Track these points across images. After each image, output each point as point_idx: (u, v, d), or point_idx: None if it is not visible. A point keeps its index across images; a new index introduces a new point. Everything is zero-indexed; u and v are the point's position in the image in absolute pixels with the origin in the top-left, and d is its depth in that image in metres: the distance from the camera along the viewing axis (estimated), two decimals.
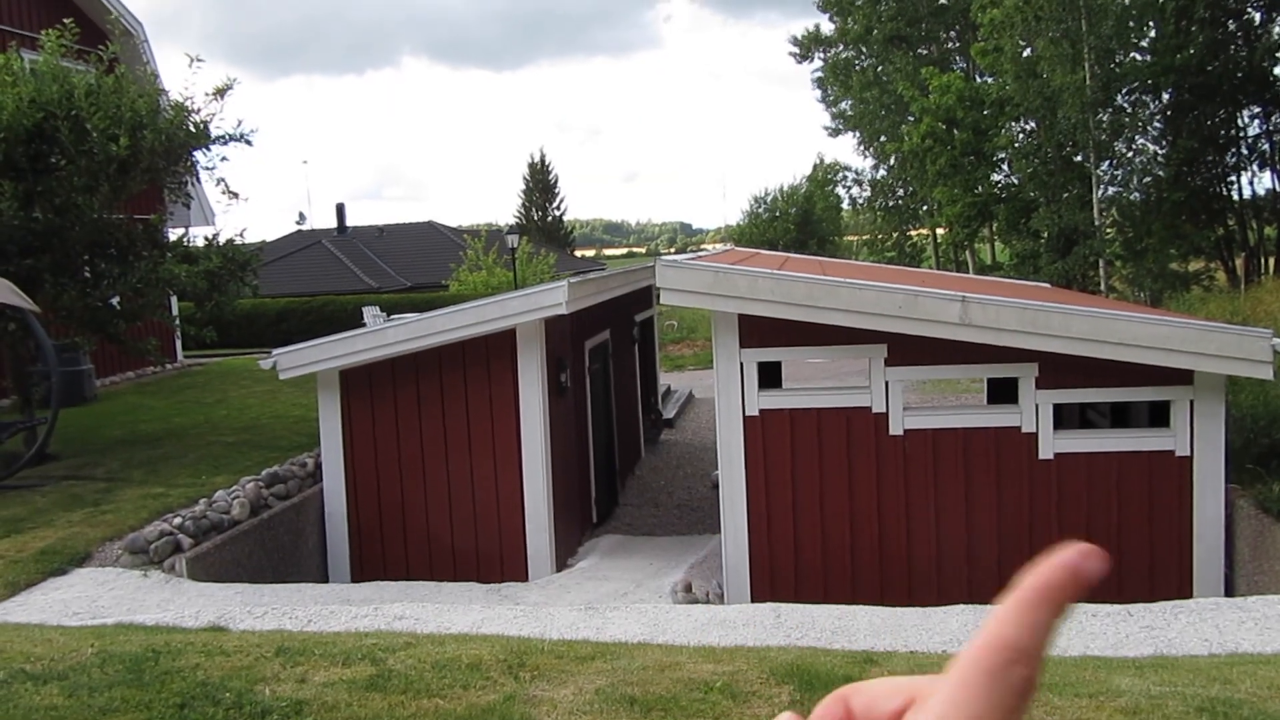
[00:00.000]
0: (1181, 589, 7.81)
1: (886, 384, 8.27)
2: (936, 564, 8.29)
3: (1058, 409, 8.19)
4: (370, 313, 14.49)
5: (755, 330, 8.34)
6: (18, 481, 10.05)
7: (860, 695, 0.54)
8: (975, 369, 8.66)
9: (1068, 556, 0.50)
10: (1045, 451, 8.11)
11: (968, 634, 5.88)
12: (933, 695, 0.49)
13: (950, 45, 42.00)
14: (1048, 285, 18.23)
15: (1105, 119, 27.12)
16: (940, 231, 41.67)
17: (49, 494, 9.71)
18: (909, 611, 6.44)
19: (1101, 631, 5.87)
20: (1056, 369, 8.01)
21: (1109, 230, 28.36)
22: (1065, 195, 28.25)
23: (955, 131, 32.46)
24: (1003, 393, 8.84)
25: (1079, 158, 28.48)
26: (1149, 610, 6.31)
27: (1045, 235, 28.85)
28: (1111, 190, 28.42)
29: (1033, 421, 8.11)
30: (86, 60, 11.61)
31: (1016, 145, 31.30)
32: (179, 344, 20.24)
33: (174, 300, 15.27)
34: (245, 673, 3.90)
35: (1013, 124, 31.68)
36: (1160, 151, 28.79)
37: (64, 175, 10.54)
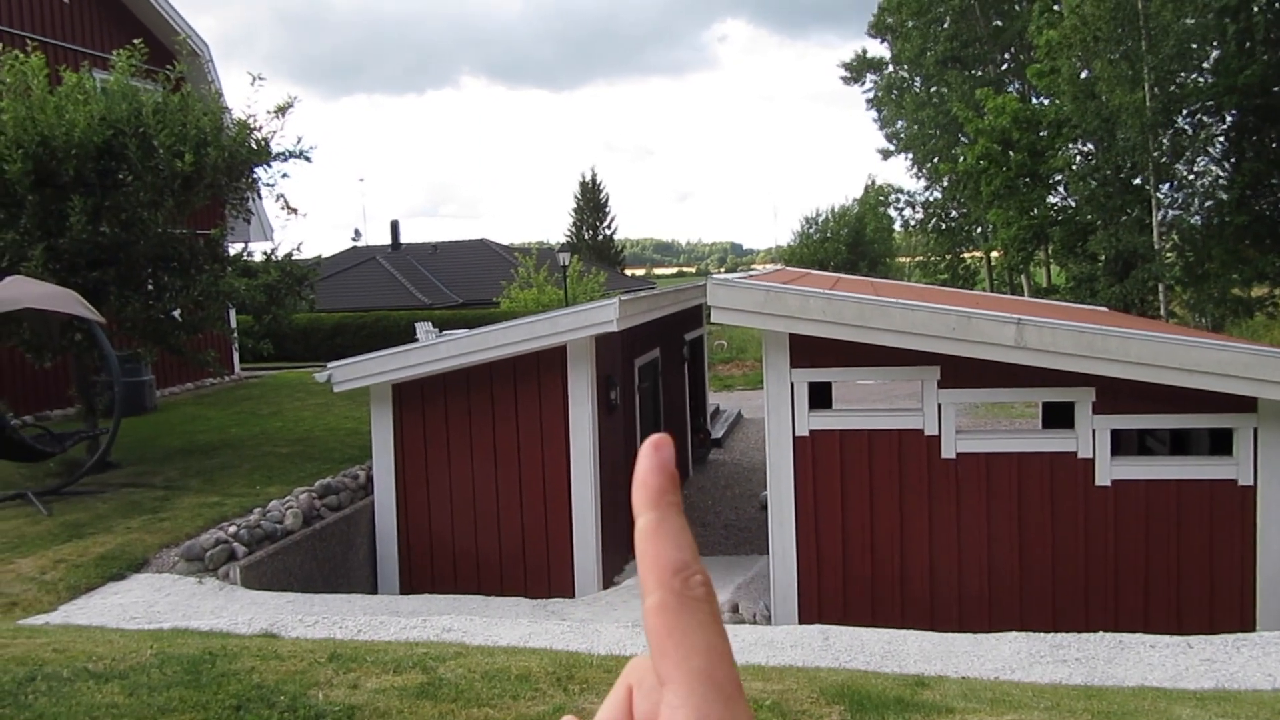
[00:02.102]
0: (1243, 622, 7.60)
1: (939, 406, 8.18)
2: (988, 590, 8.15)
3: (1115, 435, 8.03)
4: (423, 328, 14.68)
5: (806, 350, 8.31)
6: (80, 488, 10.30)
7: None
8: (1030, 393, 8.53)
9: (649, 460, 0.51)
10: (1102, 478, 7.96)
11: (1020, 661, 5.78)
12: (652, 656, 0.48)
13: (1005, 66, 41.61)
14: (1105, 309, 17.92)
15: (1166, 140, 26.67)
16: (994, 254, 41.18)
17: (109, 500, 9.93)
18: (960, 637, 6.34)
19: (1160, 663, 5.73)
20: (1114, 394, 7.86)
21: (1169, 254, 27.82)
22: (1124, 218, 27.78)
23: (1010, 153, 32.12)
24: (1058, 417, 8.69)
25: (1138, 180, 28.01)
26: (1209, 643, 6.15)
27: (1103, 258, 28.39)
28: (1172, 213, 27.90)
29: (1089, 447, 7.97)
30: (154, 79, 11.95)
31: (1074, 167, 30.86)
32: (236, 356, 20.64)
33: (232, 313, 15.60)
34: (299, 677, 3.96)
35: (1070, 145, 31.26)
36: (1223, 174, 28.22)
37: (131, 191, 10.83)
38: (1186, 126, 27.81)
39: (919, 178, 44.52)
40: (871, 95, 45.81)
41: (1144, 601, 7.90)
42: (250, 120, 11.86)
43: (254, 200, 13.19)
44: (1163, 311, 26.71)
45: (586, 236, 62.12)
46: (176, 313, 12.01)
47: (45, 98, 10.67)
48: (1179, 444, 9.20)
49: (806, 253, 49.99)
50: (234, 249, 13.15)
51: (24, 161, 10.19)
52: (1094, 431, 7.95)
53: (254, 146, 11.83)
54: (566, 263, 31.12)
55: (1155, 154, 26.10)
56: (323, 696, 3.75)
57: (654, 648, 0.48)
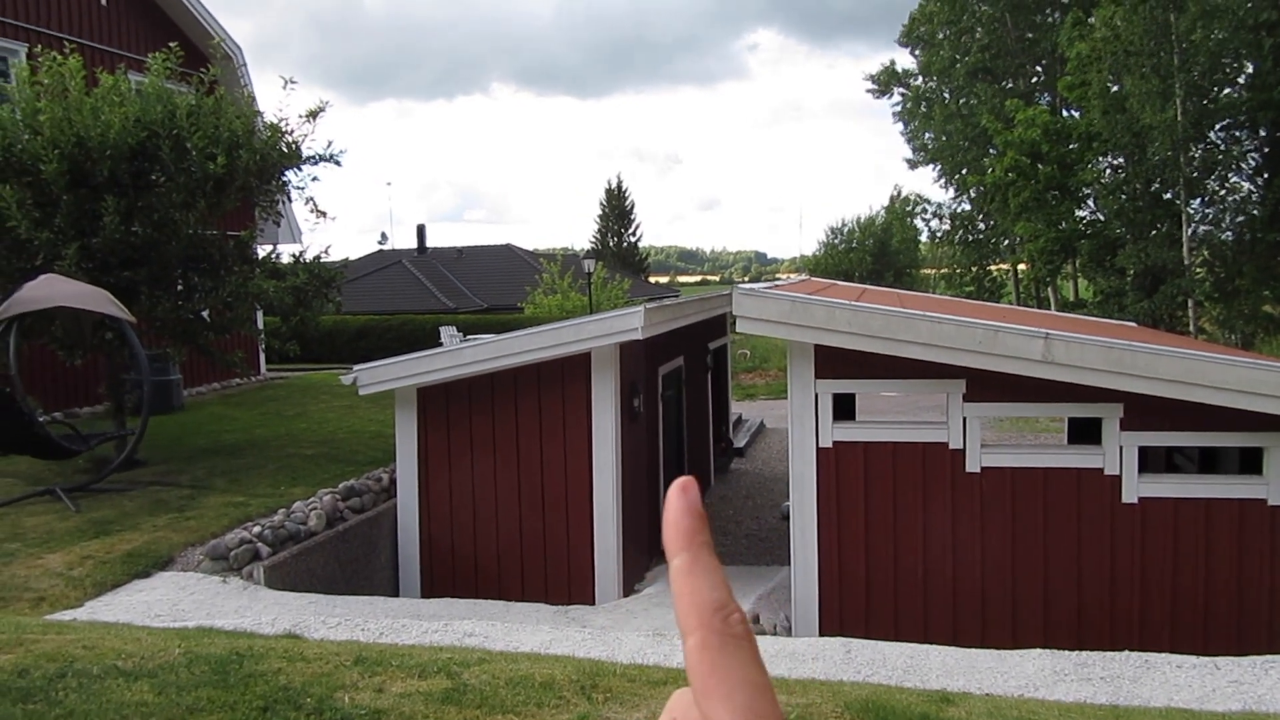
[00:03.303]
0: (1272, 643, 7.49)
1: (965, 419, 8.14)
2: (1012, 606, 8.09)
3: (1143, 451, 7.96)
4: (447, 332, 14.74)
5: (831, 361, 8.29)
6: (108, 485, 10.41)
7: None
8: (1057, 408, 8.47)
9: (678, 501, 0.54)
10: (1129, 495, 7.88)
11: (1045, 679, 5.73)
12: (694, 693, 0.50)
13: (1036, 79, 41.37)
14: (1133, 324, 17.76)
15: (1197, 155, 26.43)
16: (1021, 267, 40.89)
17: (136, 498, 10.03)
18: (983, 653, 6.29)
19: (1187, 683, 5.67)
20: (1142, 410, 7.79)
21: (1199, 270, 27.56)
22: (1153, 232, 27.55)
23: (1039, 165, 31.92)
24: (1085, 433, 8.62)
25: (1168, 194, 27.77)
26: (1237, 664, 6.07)
27: (1131, 273, 28.14)
28: (1202, 228, 27.64)
29: (1116, 464, 7.90)
30: (188, 82, 12.08)
31: (1103, 180, 30.63)
32: (263, 357, 20.81)
33: (260, 314, 15.74)
34: (325, 680, 3.99)
35: (1099, 159, 31.03)
36: (1255, 190, 27.92)
37: (163, 192, 10.96)
38: (1219, 141, 27.56)
39: (946, 188, 44.32)
40: (900, 108, 45.62)
41: (1170, 620, 7.81)
42: (282, 124, 11.98)
43: (284, 203, 13.30)
44: (1192, 328, 26.45)
45: (611, 243, 62.24)
46: (205, 313, 12.13)
47: (82, 99, 10.82)
48: (1208, 462, 9.10)
49: (831, 263, 49.86)
50: (263, 251, 13.27)
51: (60, 161, 10.33)
52: (1121, 448, 7.89)
53: (285, 150, 11.95)
54: (591, 269, 31.18)
55: (1186, 169, 25.86)
56: (349, 699, 3.78)
57: (697, 686, 0.49)
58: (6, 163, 10.58)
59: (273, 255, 13.04)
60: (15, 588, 7.50)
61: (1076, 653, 6.30)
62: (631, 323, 9.21)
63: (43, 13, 16.11)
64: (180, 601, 7.43)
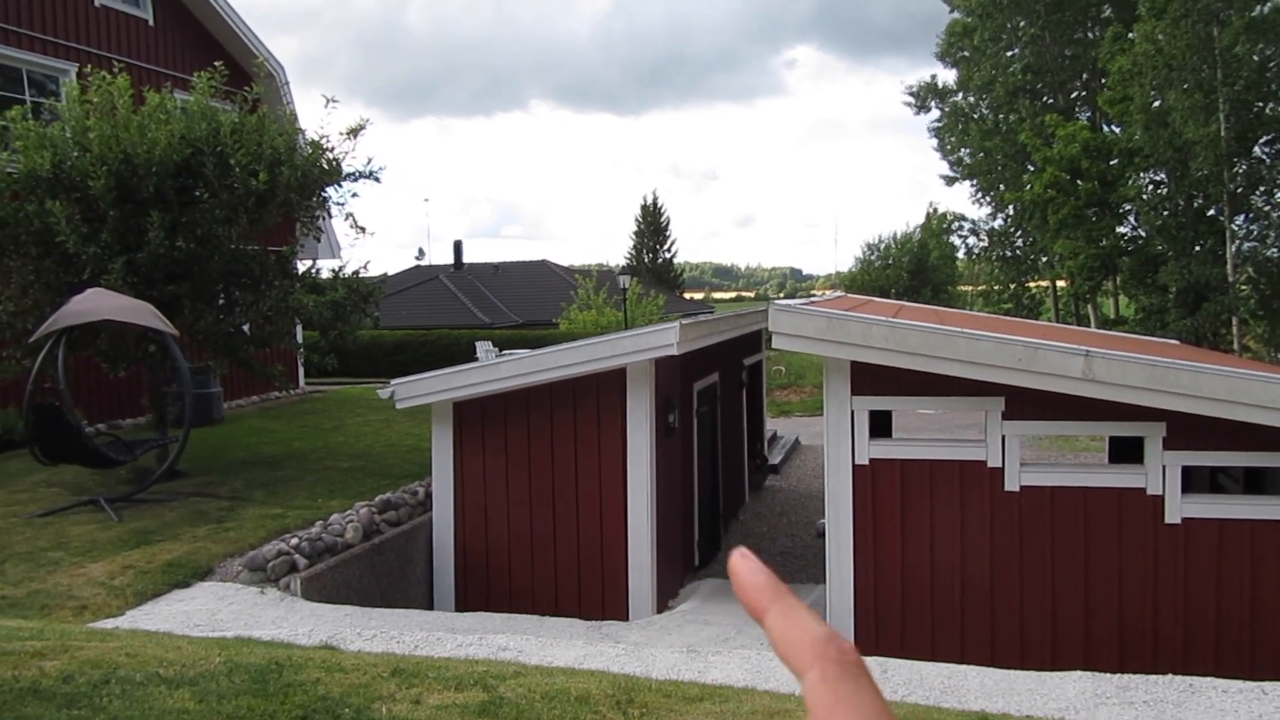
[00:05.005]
0: None
1: (1003, 438, 8.05)
2: (1051, 627, 7.97)
3: (1186, 471, 7.83)
4: (483, 347, 14.83)
5: (868, 378, 8.24)
6: (149, 495, 10.57)
7: None
8: (1098, 426, 8.36)
9: (744, 564, 0.56)
10: (1172, 516, 7.75)
11: (1085, 702, 5.63)
12: None
13: (1076, 94, 40.98)
14: (1176, 342, 17.49)
15: (1241, 170, 26.04)
16: (1060, 284, 40.46)
17: (176, 509, 10.17)
18: (1022, 675, 6.20)
19: (1233, 709, 5.56)
20: (1186, 429, 7.67)
21: (1243, 287, 27.11)
22: (1196, 249, 27.16)
23: (1079, 182, 31.60)
24: (1126, 452, 8.50)
25: (1211, 210, 27.38)
26: None
27: (1173, 290, 27.75)
28: (1247, 245, 27.19)
29: (1159, 483, 7.77)
30: (232, 100, 12.30)
31: (1144, 196, 30.26)
32: (301, 371, 21.05)
33: (299, 328, 15.94)
34: (362, 690, 4.02)
35: (1141, 174, 30.66)
36: None
37: (206, 207, 11.14)
38: (1264, 155, 27.15)
39: (983, 205, 43.99)
40: (938, 124, 45.34)
41: (1215, 644, 7.66)
42: (323, 141, 12.15)
43: (324, 219, 13.48)
44: (1236, 345, 26.01)
45: (646, 259, 62.40)
46: (246, 327, 12.30)
47: (129, 117, 11.05)
48: (1253, 482, 8.93)
49: (868, 279, 49.60)
50: (303, 266, 13.45)
51: (108, 178, 10.55)
52: (1164, 467, 7.76)
53: (325, 166, 12.11)
54: (626, 285, 31.26)
55: (1230, 184, 25.49)
56: (386, 711, 3.80)
57: (822, 718, 0.49)
58: (57, 179, 10.82)
59: (312, 270, 13.22)
60: (59, 596, 7.63)
61: (1118, 675, 6.19)
62: (667, 338, 9.22)
63: (93, 34, 16.50)
64: (219, 611, 7.52)
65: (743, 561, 0.56)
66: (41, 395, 10.34)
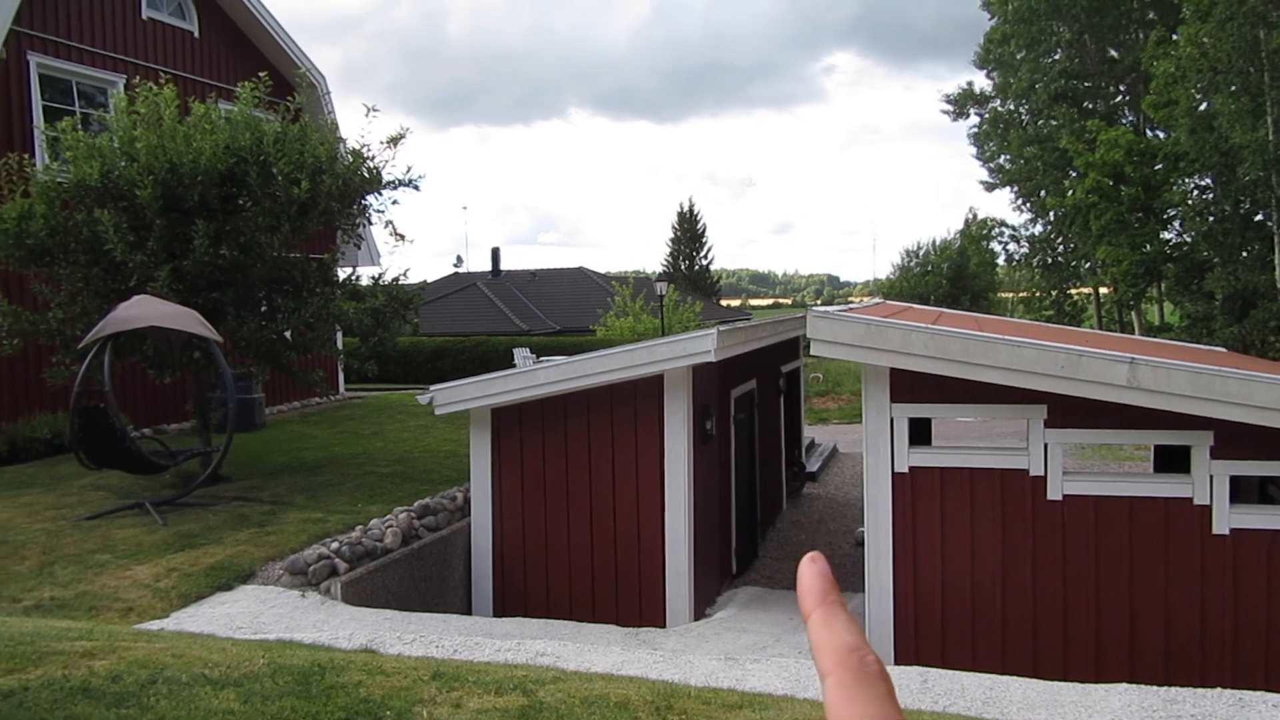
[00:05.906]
0: None
1: (1046, 446, 7.95)
2: (1095, 638, 7.85)
3: (1234, 481, 7.68)
4: (520, 354, 14.93)
5: (907, 385, 8.18)
6: (193, 499, 10.73)
7: None
8: (1143, 435, 8.22)
9: (810, 568, 0.58)
10: (1220, 526, 7.61)
11: (1131, 716, 5.54)
12: None
13: (1119, 99, 40.43)
14: (1223, 350, 17.18)
15: None
16: (1103, 290, 39.89)
17: (220, 513, 10.32)
18: (1066, 687, 6.11)
19: None
20: (1234, 438, 7.52)
21: None
22: (1243, 255, 26.68)
23: (1122, 187, 31.17)
24: (1171, 461, 8.35)
25: (1259, 216, 26.88)
26: None
27: (1219, 297, 27.26)
28: None
29: (1206, 493, 7.63)
30: (275, 110, 12.48)
31: (1190, 202, 29.77)
32: (341, 377, 21.28)
33: (339, 335, 16.12)
34: (404, 693, 4.05)
35: (1186, 179, 30.18)
36: None
37: (250, 216, 11.31)
38: None
39: (1023, 211, 43.52)
40: (976, 130, 44.94)
41: (1264, 657, 7.50)
42: (364, 150, 12.29)
43: (364, 226, 13.63)
44: None
45: (683, 266, 62.42)
46: (288, 333, 12.46)
47: (175, 127, 11.24)
48: None
49: (906, 286, 49.23)
50: (343, 273, 13.61)
51: (154, 187, 10.74)
52: (1211, 477, 7.62)
53: (366, 175, 12.25)
54: (663, 292, 31.27)
55: (1278, 189, 25.01)
56: (427, 714, 3.83)
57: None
58: (105, 188, 11.04)
59: (353, 277, 13.36)
60: (106, 597, 7.76)
61: (1165, 688, 6.08)
62: (704, 345, 9.21)
63: (140, 46, 16.83)
64: (261, 614, 7.61)
65: (810, 565, 0.59)
66: (88, 400, 10.54)
